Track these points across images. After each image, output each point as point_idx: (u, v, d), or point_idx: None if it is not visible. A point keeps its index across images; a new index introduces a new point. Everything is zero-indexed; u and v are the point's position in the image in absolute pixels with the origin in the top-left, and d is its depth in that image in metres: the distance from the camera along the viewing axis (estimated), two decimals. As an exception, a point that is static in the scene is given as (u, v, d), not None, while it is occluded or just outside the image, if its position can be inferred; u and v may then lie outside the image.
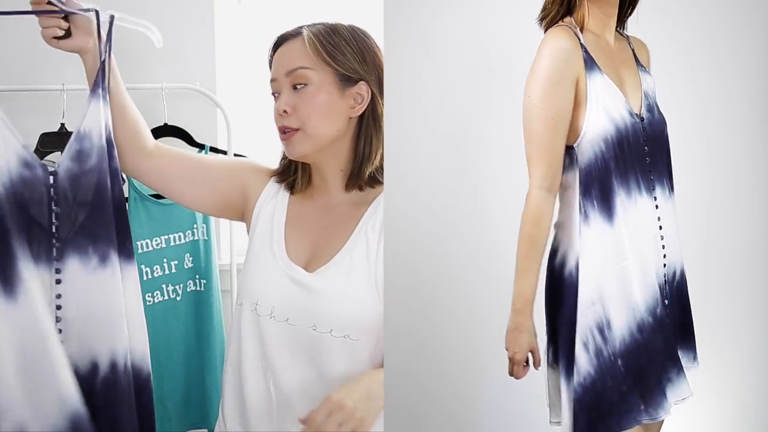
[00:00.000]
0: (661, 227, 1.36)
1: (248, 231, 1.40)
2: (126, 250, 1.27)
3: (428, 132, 2.01)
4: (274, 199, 1.38)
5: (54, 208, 1.23)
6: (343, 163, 1.32)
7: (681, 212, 1.92)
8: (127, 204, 1.87)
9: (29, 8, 1.24)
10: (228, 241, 2.12)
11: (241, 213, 1.42)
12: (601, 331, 1.30)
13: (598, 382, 1.29)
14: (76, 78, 1.89)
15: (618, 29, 1.42)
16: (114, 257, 1.25)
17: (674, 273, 1.40)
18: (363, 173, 1.31)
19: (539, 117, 1.32)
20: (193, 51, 2.12)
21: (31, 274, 1.16)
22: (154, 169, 1.36)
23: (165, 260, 1.93)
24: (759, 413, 1.97)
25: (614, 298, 1.31)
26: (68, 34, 1.26)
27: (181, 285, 1.96)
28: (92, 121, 1.26)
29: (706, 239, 1.94)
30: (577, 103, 1.32)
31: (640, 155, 1.35)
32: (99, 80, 1.27)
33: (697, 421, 1.90)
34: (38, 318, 1.14)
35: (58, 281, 1.23)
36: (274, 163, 1.42)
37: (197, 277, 1.99)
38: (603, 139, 1.31)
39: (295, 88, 1.28)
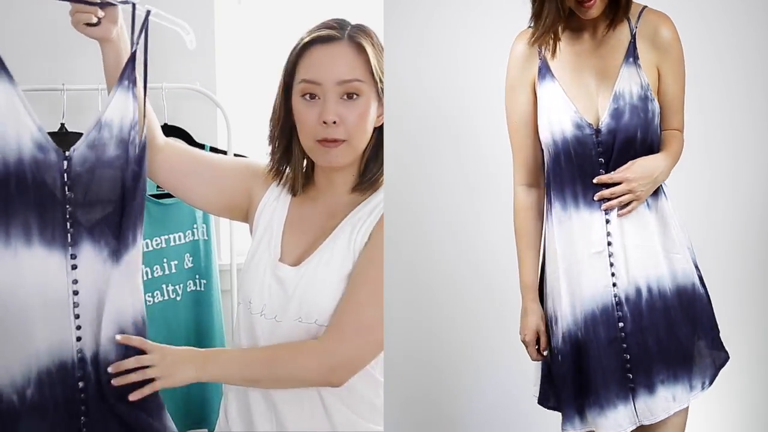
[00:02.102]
0: (610, 243, 1.31)
1: (251, 232, 1.41)
2: (133, 247, 1.26)
3: (428, 131, 2.01)
4: (275, 202, 1.38)
5: (68, 193, 1.21)
6: (355, 168, 1.33)
7: (681, 212, 1.92)
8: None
9: None
10: (228, 241, 2.12)
11: (245, 214, 1.42)
12: (549, 326, 1.40)
13: (546, 366, 1.43)
14: (76, 77, 1.90)
15: (624, 15, 1.30)
16: (123, 253, 1.24)
17: (637, 291, 1.31)
18: (370, 177, 1.32)
19: (507, 119, 1.40)
20: (193, 51, 2.12)
21: (44, 254, 1.19)
22: (162, 165, 1.36)
23: (165, 260, 1.93)
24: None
25: (557, 300, 1.38)
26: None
27: (181, 285, 1.96)
28: (115, 112, 1.24)
29: (706, 238, 1.94)
30: (537, 109, 1.36)
31: (588, 167, 1.31)
32: (127, 72, 1.25)
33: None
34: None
35: (74, 267, 1.22)
36: None
37: (197, 277, 1.99)
38: (547, 149, 1.35)
39: (350, 97, 1.26)
